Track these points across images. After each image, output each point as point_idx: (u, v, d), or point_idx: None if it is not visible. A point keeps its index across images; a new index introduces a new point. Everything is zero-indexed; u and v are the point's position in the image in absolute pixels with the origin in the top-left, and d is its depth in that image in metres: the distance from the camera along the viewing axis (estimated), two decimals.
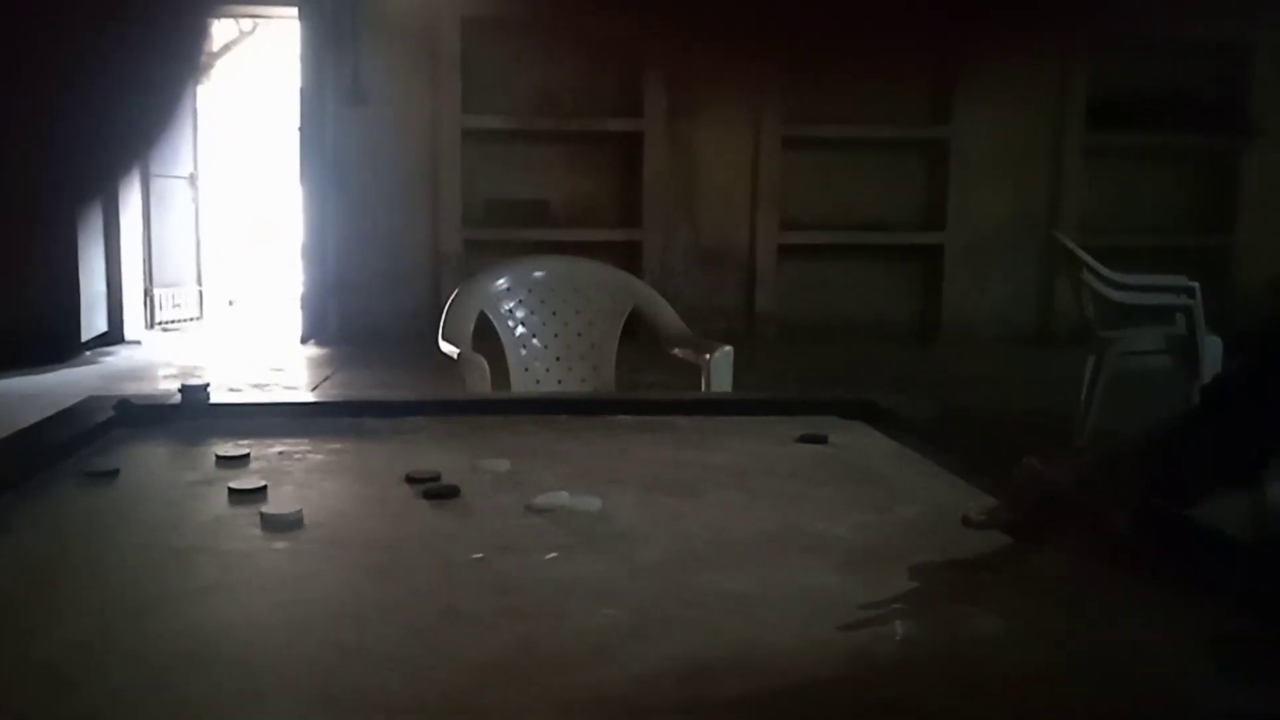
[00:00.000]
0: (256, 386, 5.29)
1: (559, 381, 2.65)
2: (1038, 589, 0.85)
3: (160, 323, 7.85)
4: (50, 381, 5.36)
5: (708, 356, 2.48)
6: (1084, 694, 0.65)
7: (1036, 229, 7.10)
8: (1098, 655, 0.70)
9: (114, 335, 6.87)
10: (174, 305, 8.05)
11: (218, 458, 1.20)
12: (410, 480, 1.11)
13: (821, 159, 7.16)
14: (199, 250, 8.48)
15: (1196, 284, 3.98)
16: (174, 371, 5.76)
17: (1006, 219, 7.27)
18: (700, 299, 6.71)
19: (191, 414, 1.40)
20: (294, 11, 6.79)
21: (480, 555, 0.89)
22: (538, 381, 2.64)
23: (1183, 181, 7.52)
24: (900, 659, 0.70)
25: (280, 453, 1.24)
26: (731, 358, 2.49)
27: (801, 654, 0.70)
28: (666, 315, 2.75)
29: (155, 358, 6.42)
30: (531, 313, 2.69)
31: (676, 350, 2.66)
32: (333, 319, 6.96)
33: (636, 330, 2.78)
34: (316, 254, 6.94)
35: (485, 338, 2.61)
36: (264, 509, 0.98)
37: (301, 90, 6.87)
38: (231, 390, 4.83)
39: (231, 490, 1.05)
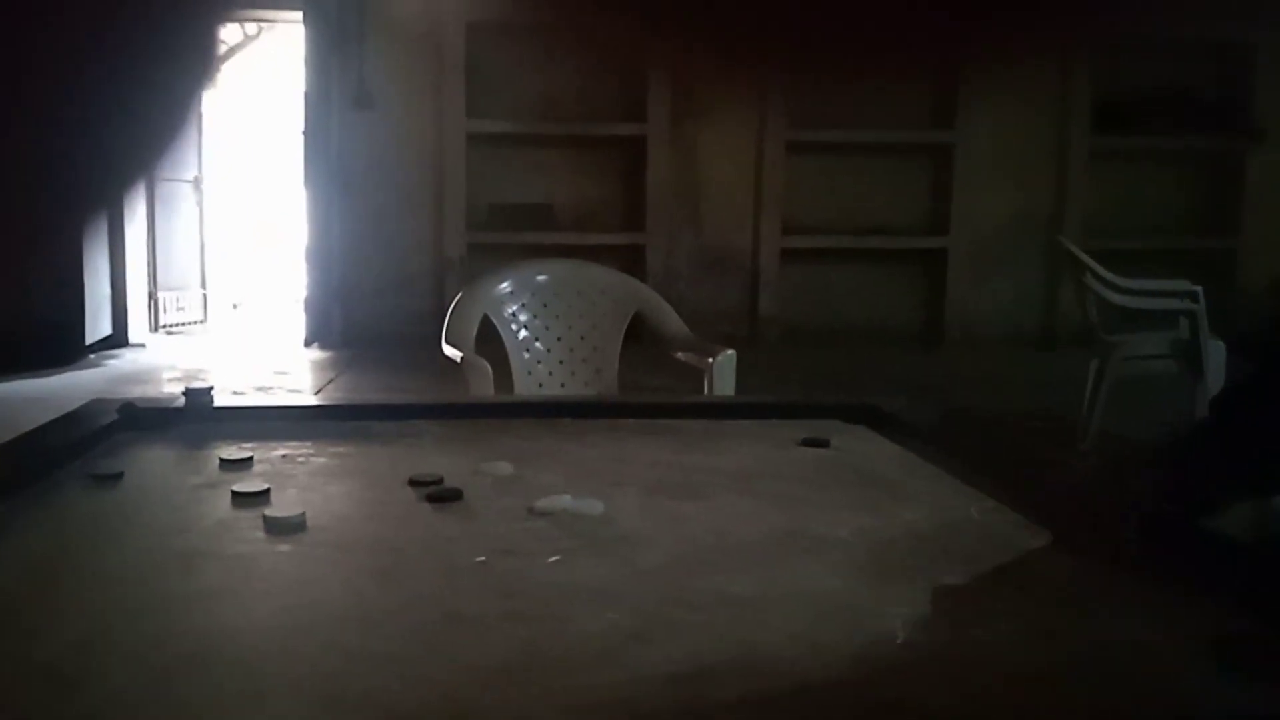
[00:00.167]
0: (260, 390, 5.29)
1: (562, 385, 2.65)
2: (1039, 590, 0.85)
3: (165, 326, 7.86)
4: (54, 384, 5.37)
5: (711, 360, 2.48)
6: (1084, 694, 0.65)
7: (1040, 232, 7.10)
8: (1098, 655, 0.70)
9: (118, 338, 6.89)
10: (178, 309, 8.07)
11: (221, 461, 1.20)
12: (413, 483, 1.11)
13: (825, 163, 7.16)
14: (203, 254, 8.50)
15: (1199, 288, 3.98)
16: (178, 375, 5.77)
17: (1010, 222, 7.26)
18: (703, 303, 6.72)
19: (195, 417, 1.40)
20: (299, 16, 6.81)
21: (483, 558, 0.89)
22: (541, 385, 2.64)
23: (1186, 183, 7.52)
24: (901, 661, 0.70)
25: (284, 456, 1.24)
26: (734, 361, 2.49)
27: (803, 657, 0.70)
28: (670, 319, 2.75)
29: (159, 361, 6.43)
30: (535, 316, 2.69)
31: (679, 354, 2.66)
32: (336, 323, 6.97)
33: (639, 334, 2.78)
34: (321, 258, 6.96)
35: (489, 341, 2.62)
36: (267, 512, 0.98)
37: (306, 94, 6.89)
38: (235, 394, 4.84)
39: (235, 493, 1.06)
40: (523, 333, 2.68)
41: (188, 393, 1.43)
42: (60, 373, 5.74)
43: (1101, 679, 0.67)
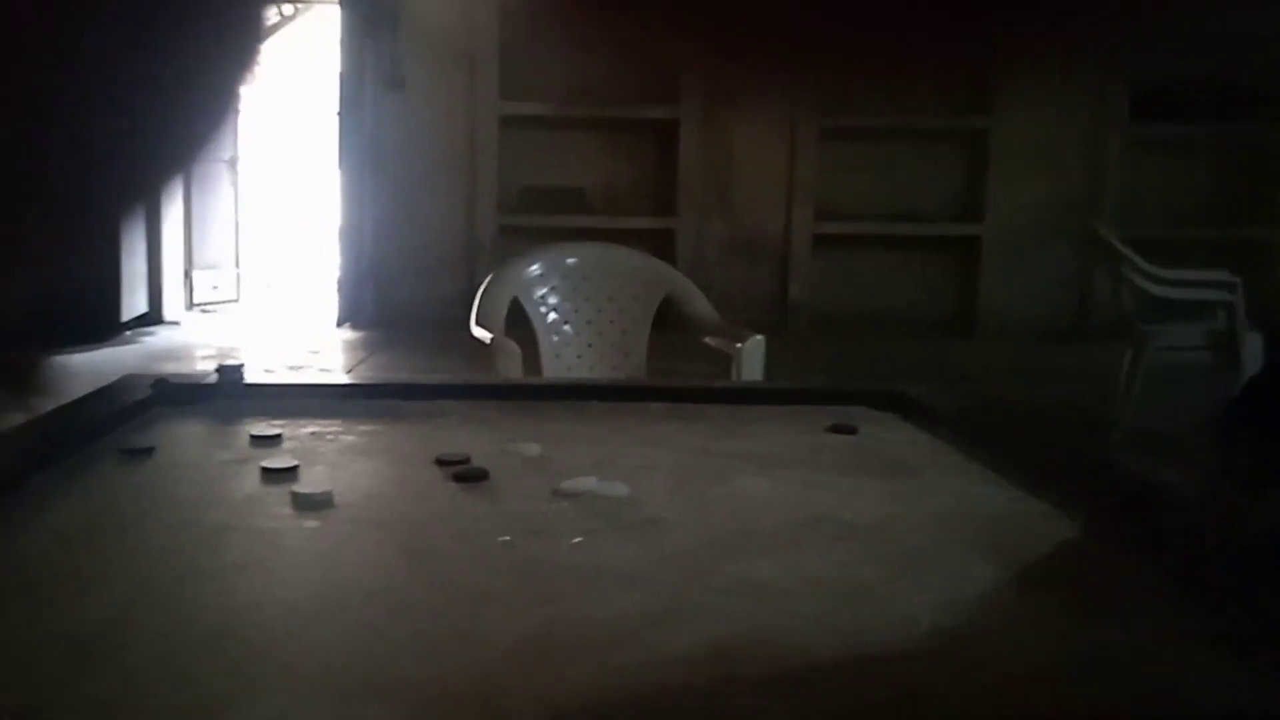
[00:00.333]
0: (292, 368, 5.34)
1: (590, 368, 2.66)
2: (1047, 586, 0.84)
3: (199, 304, 7.94)
4: (91, 360, 5.44)
5: (739, 345, 2.48)
6: (1085, 694, 0.64)
7: (1074, 220, 7.01)
8: (1098, 655, 0.69)
9: (153, 316, 6.97)
10: (213, 287, 8.14)
11: (251, 437, 1.21)
12: (440, 463, 1.12)
13: (858, 149, 7.11)
14: (238, 233, 8.56)
15: (1239, 279, 3.92)
16: (211, 352, 5.83)
17: (1044, 210, 7.18)
18: (733, 288, 6.70)
19: (227, 394, 1.42)
20: None
21: (508, 538, 0.90)
22: (569, 368, 2.65)
23: (1224, 172, 7.40)
24: (924, 649, 0.70)
25: (313, 433, 1.25)
26: (763, 347, 2.49)
27: (826, 643, 0.70)
28: (699, 303, 2.75)
29: (193, 338, 6.50)
30: (564, 299, 2.70)
31: (708, 338, 2.65)
32: (368, 303, 7.01)
33: (668, 318, 2.78)
34: (353, 238, 7.00)
35: (518, 324, 2.62)
36: (295, 488, 0.99)
37: (341, 75, 6.92)
38: (266, 371, 4.88)
39: (264, 469, 1.07)
40: (552, 315, 2.68)
41: (220, 370, 1.44)
42: (97, 349, 5.82)
43: (1101, 678, 0.66)
